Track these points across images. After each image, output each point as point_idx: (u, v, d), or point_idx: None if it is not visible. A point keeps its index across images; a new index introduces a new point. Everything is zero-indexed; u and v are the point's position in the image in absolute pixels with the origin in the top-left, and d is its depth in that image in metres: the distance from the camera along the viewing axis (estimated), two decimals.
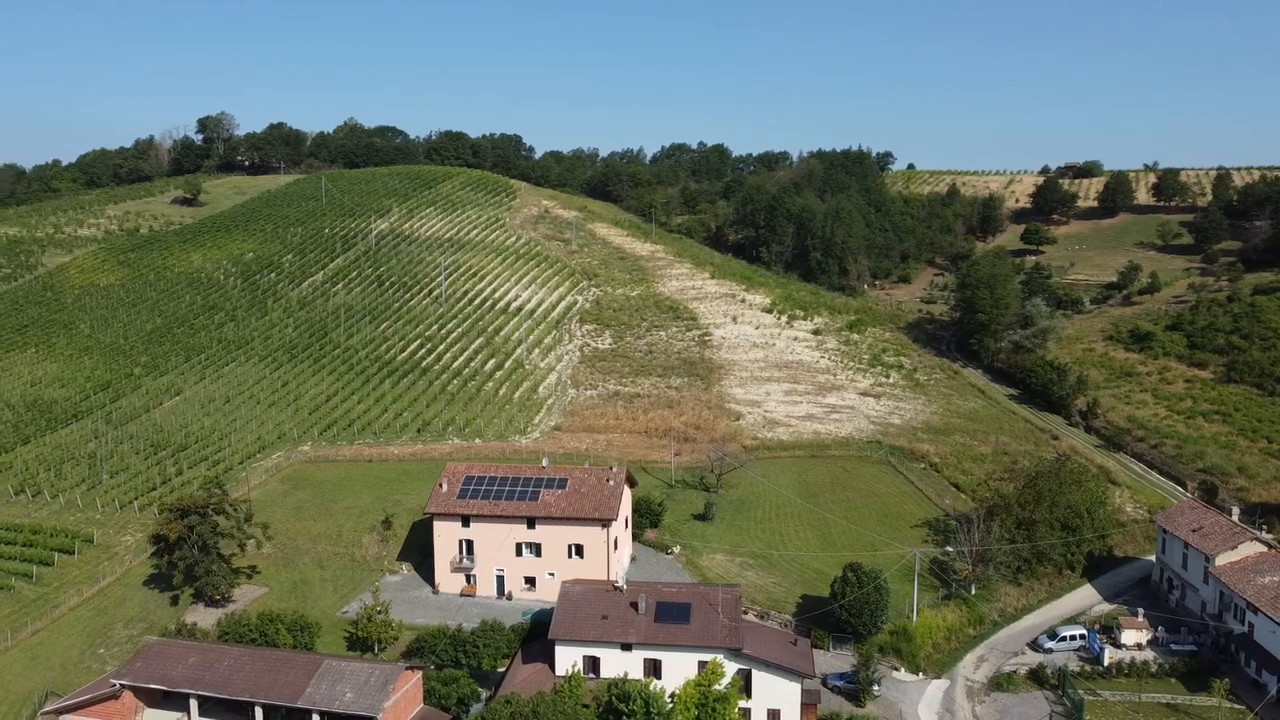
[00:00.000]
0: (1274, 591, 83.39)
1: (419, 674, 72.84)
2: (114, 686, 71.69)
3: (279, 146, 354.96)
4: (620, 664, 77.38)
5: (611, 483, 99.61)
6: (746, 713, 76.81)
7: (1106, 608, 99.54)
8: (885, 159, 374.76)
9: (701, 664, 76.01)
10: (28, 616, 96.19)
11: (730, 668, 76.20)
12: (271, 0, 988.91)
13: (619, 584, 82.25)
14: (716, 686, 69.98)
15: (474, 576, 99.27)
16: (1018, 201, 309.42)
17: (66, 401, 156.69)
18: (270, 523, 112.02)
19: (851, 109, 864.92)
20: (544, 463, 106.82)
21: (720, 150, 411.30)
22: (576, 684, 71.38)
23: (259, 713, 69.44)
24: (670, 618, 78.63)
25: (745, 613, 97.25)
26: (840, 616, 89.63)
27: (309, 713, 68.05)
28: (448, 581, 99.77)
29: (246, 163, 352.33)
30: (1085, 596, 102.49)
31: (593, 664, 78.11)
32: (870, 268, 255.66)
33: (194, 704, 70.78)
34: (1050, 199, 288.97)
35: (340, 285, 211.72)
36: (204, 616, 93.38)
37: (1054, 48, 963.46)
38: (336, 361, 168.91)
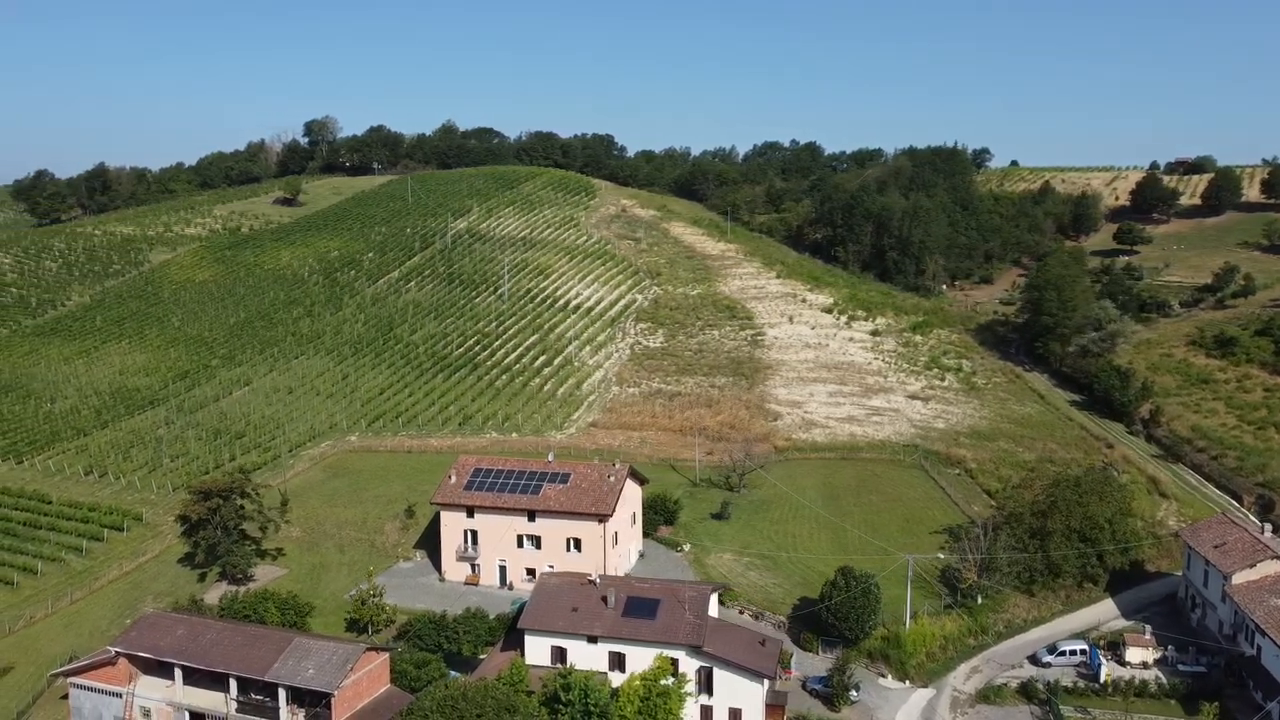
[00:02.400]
0: None
1: (384, 655, 75.90)
2: (110, 653, 77.18)
3: (378, 148, 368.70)
4: (586, 656, 78.77)
5: (612, 479, 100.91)
6: (709, 710, 77.24)
7: (1122, 624, 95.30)
8: (982, 156, 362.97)
9: (664, 658, 76.61)
10: (70, 586, 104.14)
11: (692, 665, 76.67)
12: (376, 8, 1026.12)
13: (593, 577, 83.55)
14: (665, 682, 70.46)
15: (478, 566, 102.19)
16: (1118, 199, 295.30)
17: (147, 389, 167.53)
18: (304, 508, 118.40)
19: (955, 106, 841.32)
20: (550, 457, 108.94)
21: (812, 148, 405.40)
22: (519, 672, 73.06)
23: (233, 684, 73.66)
24: (638, 613, 79.51)
25: (741, 612, 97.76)
26: (825, 619, 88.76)
27: (277, 686, 71.81)
28: (453, 570, 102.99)
29: (347, 164, 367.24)
30: (1102, 612, 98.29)
31: (560, 654, 79.72)
32: (950, 268, 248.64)
33: (179, 673, 75.55)
34: (1150, 197, 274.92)
35: (413, 283, 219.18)
36: (224, 593, 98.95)
37: (1176, 37, 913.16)
38: (396, 356, 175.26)
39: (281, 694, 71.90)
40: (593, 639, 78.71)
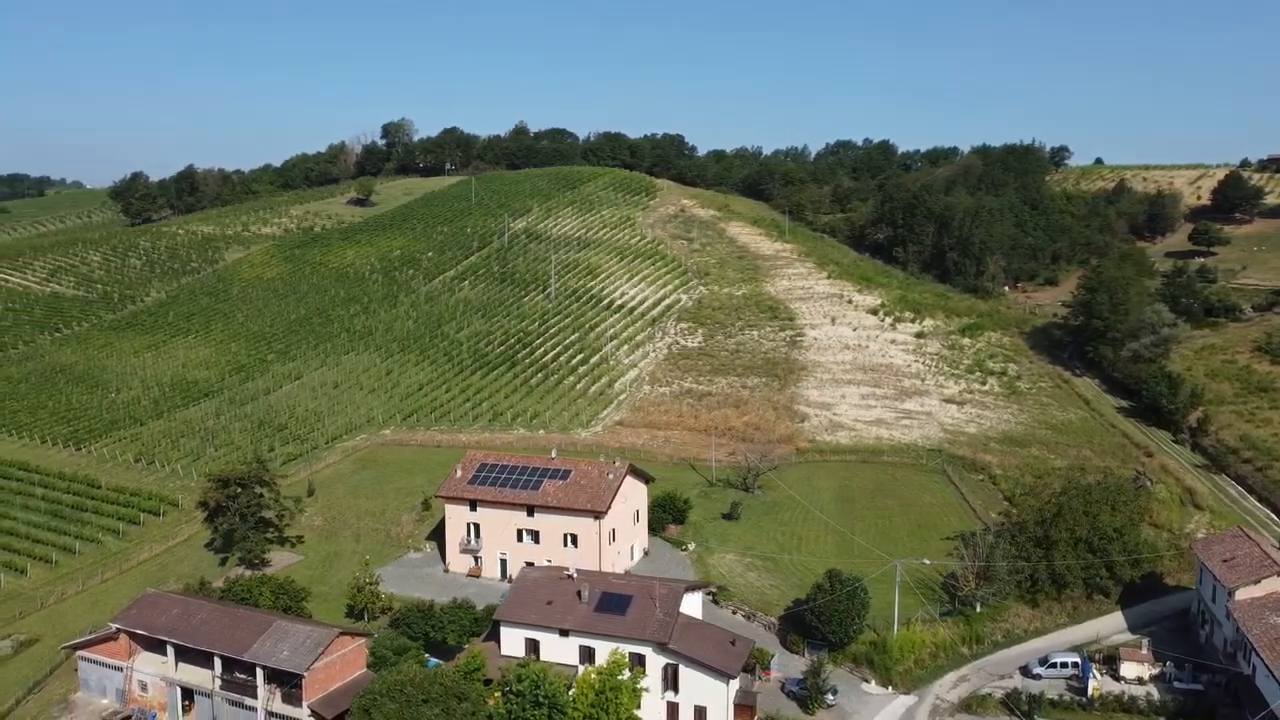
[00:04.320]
0: (1278, 634, 75.10)
1: (360, 641, 78.66)
2: (112, 629, 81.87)
3: (451, 150, 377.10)
4: (558, 649, 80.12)
5: (611, 477, 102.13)
6: (675, 707, 77.80)
7: (1127, 638, 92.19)
8: (1060, 154, 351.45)
9: (633, 655, 77.54)
10: (103, 566, 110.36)
11: (659, 661, 77.36)
12: (455, 15, 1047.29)
13: (570, 572, 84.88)
14: (622, 676, 71.30)
15: (480, 558, 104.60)
16: (1200, 199, 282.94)
17: (204, 382, 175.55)
18: (329, 498, 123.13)
19: (1042, 103, 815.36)
20: (553, 454, 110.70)
21: (885, 147, 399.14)
22: (476, 661, 74.78)
23: (218, 662, 77.36)
24: (610, 608, 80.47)
25: (734, 612, 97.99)
26: (809, 621, 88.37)
27: (256, 665, 75.21)
28: (457, 562, 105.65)
29: (421, 165, 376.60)
30: (1109, 624, 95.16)
31: (533, 646, 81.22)
32: (1014, 269, 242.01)
33: (171, 650, 79.69)
34: (1232, 195, 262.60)
35: (467, 281, 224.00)
36: (229, 576, 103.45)
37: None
38: (439, 353, 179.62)
39: (259, 673, 75.25)
40: (564, 632, 79.97)
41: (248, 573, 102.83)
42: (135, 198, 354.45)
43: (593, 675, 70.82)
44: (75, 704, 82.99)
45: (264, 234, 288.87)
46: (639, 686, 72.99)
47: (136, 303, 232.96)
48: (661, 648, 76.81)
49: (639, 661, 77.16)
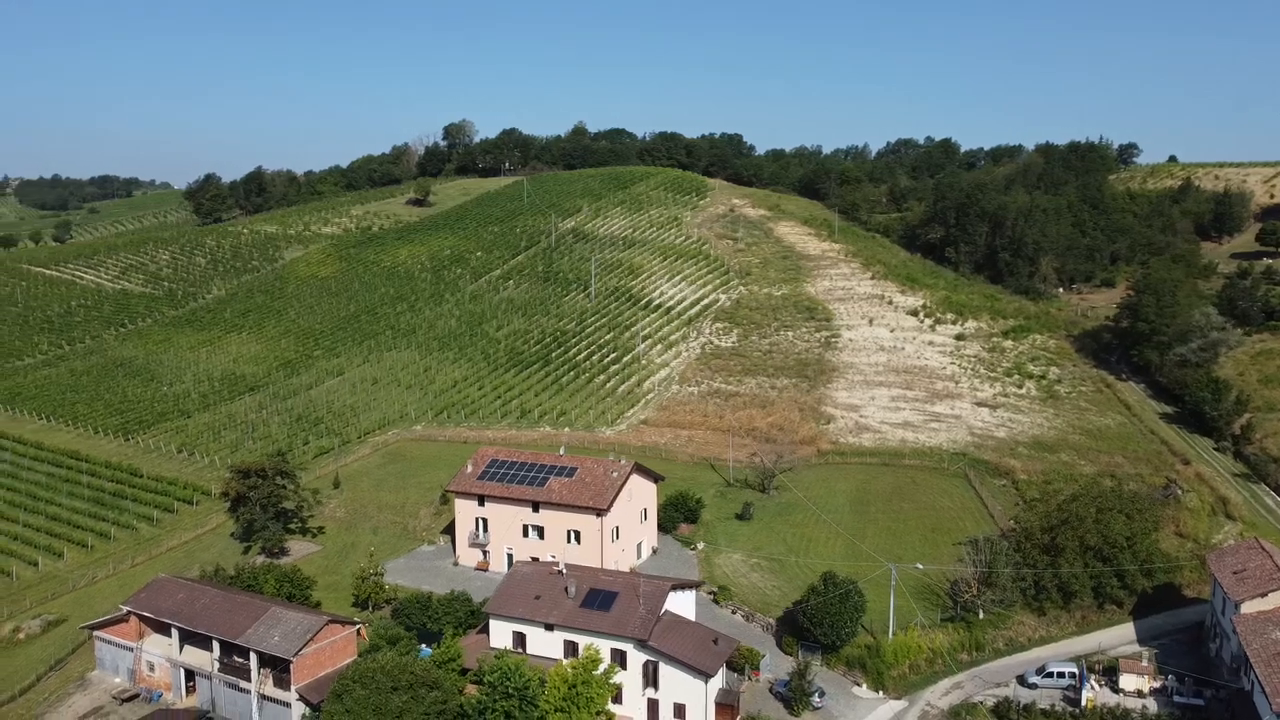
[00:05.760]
0: (1277, 649, 72.46)
1: (351, 629, 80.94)
2: (123, 611, 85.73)
3: (510, 151, 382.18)
4: (543, 643, 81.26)
5: (615, 475, 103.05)
6: (655, 704, 78.34)
7: (1134, 650, 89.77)
8: (1128, 151, 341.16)
9: (614, 650, 78.38)
10: (134, 552, 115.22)
11: (640, 658, 78.00)
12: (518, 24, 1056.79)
13: (560, 567, 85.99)
14: (597, 671, 72.13)
15: (488, 553, 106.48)
16: (1273, 197, 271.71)
17: (252, 377, 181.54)
18: (354, 490, 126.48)
19: (1113, 100, 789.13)
20: (561, 451, 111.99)
21: (947, 145, 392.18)
22: (452, 652, 76.25)
23: (216, 645, 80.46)
24: (595, 604, 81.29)
25: (734, 613, 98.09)
26: (800, 623, 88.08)
27: (250, 649, 78.04)
28: (466, 556, 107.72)
29: (480, 166, 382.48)
30: (1117, 635, 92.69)
31: (520, 640, 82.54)
32: (1069, 270, 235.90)
33: (175, 633, 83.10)
34: None
35: (512, 280, 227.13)
36: (241, 564, 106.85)
37: None
38: (476, 352, 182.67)
39: (253, 657, 78.03)
40: (550, 627, 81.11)
41: (269, 561, 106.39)
42: (206, 198, 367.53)
43: (566, 669, 71.81)
44: (91, 681, 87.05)
45: (324, 233, 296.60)
46: (613, 681, 73.74)
47: (198, 300, 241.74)
48: (641, 644, 77.38)
49: (620, 657, 78.01)
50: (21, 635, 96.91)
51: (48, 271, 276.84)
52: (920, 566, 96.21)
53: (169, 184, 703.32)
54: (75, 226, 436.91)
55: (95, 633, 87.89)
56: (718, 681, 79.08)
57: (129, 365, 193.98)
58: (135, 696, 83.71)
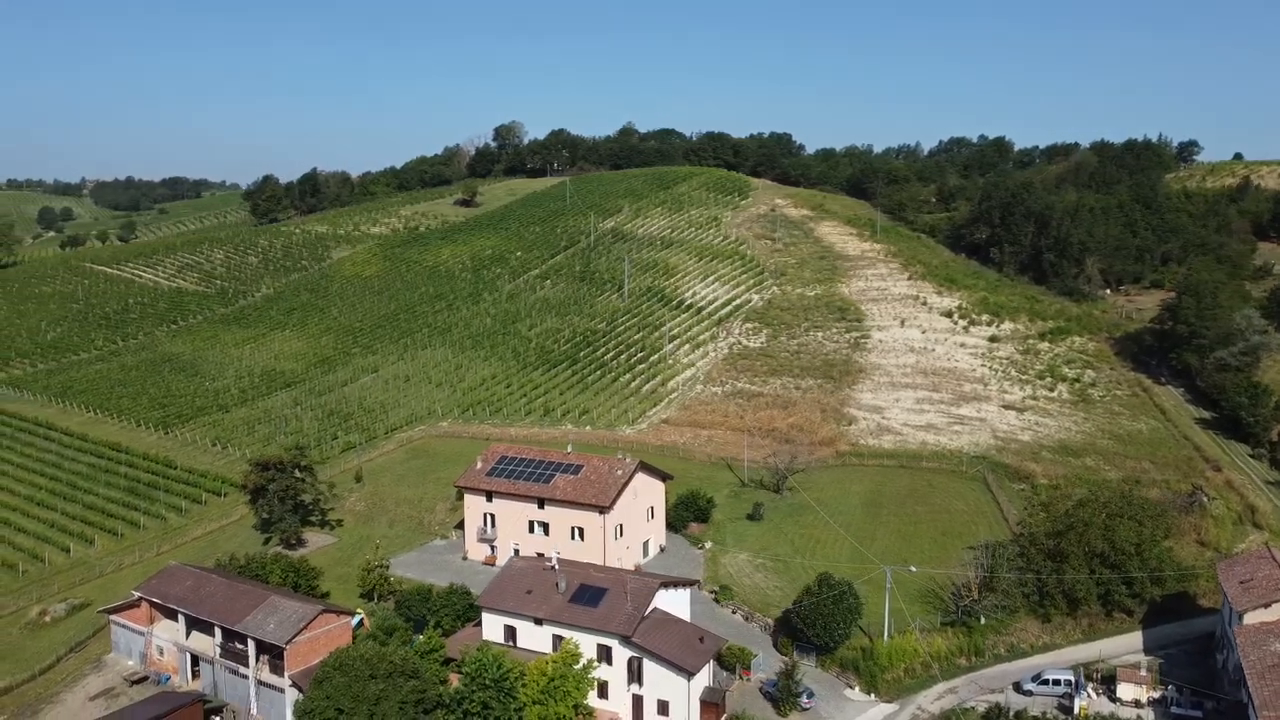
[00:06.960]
0: (1272, 661, 70.41)
1: (346, 619, 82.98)
2: (134, 597, 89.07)
3: (558, 151, 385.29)
4: (533, 637, 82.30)
5: (619, 473, 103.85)
6: (639, 700, 78.96)
7: (1139, 659, 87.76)
8: (1188, 149, 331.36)
9: (600, 645, 79.22)
10: (161, 541, 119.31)
11: (624, 654, 78.70)
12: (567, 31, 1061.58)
13: (552, 563, 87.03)
14: (576, 666, 73.03)
15: (495, 548, 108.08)
16: None
17: (291, 373, 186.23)
18: (375, 485, 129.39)
19: (1178, 97, 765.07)
20: (568, 449, 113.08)
21: (1000, 144, 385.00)
22: (434, 643, 77.67)
23: (218, 632, 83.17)
24: (584, 600, 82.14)
25: (733, 612, 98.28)
26: (794, 624, 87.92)
27: (249, 636, 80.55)
28: (475, 550, 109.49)
29: (529, 166, 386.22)
30: (1124, 644, 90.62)
31: (511, 633, 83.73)
32: (1117, 271, 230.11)
33: (182, 619, 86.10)
34: None
35: (549, 280, 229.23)
36: (253, 554, 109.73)
37: None
38: (507, 350, 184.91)
39: (251, 644, 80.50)
40: (539, 621, 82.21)
41: (288, 552, 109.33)
42: (263, 199, 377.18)
43: (546, 663, 72.82)
44: (106, 664, 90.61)
45: (372, 234, 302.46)
46: (596, 676, 74.56)
47: (247, 298, 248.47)
48: (626, 640, 78.05)
49: (606, 653, 78.80)
50: (47, 618, 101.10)
51: (109, 270, 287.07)
52: (914, 569, 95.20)
53: (238, 185, 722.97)
54: (141, 226, 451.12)
55: (111, 617, 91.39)
56: (703, 679, 79.39)
57: (176, 361, 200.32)
58: (144, 679, 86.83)
